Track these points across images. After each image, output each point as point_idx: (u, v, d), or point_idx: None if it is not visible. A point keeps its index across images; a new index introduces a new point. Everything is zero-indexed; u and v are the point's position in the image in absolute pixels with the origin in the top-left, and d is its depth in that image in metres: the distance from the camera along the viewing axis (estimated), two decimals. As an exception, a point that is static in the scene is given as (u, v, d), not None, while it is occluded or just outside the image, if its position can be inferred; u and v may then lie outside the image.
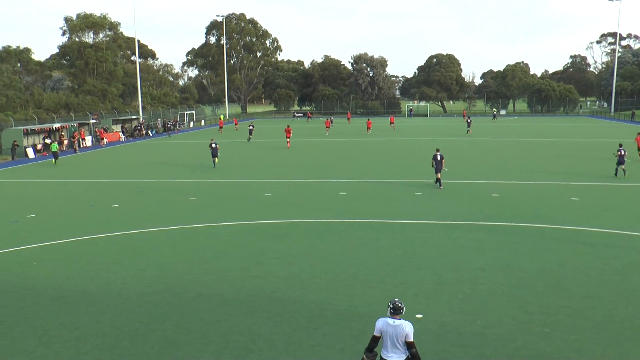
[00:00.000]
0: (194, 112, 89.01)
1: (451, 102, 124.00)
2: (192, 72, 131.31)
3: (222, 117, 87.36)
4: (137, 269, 14.81)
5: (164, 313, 11.82)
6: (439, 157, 26.60)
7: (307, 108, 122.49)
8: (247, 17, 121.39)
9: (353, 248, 16.42)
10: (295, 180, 29.49)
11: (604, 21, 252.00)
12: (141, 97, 77.28)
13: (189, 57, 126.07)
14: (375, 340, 8.01)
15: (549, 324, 11.07)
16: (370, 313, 11.63)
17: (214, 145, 35.80)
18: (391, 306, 7.93)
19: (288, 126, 49.52)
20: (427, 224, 19.26)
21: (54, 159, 40.10)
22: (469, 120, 62.23)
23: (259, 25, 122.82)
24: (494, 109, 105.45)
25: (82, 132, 52.55)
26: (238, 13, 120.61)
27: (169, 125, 70.12)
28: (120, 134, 61.72)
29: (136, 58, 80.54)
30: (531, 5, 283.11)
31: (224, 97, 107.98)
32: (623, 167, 29.36)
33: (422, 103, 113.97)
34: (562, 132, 61.71)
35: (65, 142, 50.57)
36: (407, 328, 7.80)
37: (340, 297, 12.57)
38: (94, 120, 59.51)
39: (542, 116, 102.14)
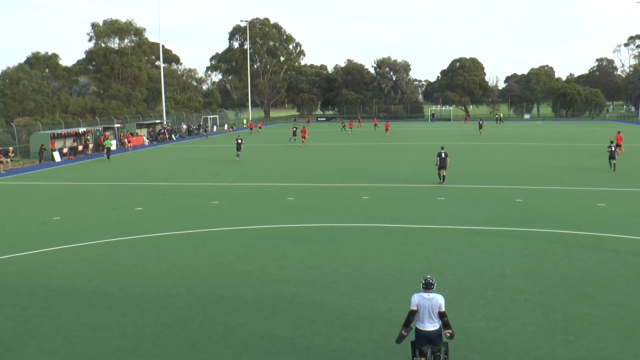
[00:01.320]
0: (217, 116, 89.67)
1: (471, 106, 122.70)
2: (216, 77, 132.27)
3: (245, 120, 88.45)
4: (159, 271, 14.95)
5: (186, 315, 11.91)
6: (443, 155, 28.51)
7: (330, 112, 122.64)
8: (271, 22, 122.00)
9: (375, 253, 16.38)
10: (317, 184, 29.52)
11: (631, 23, 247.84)
12: (165, 101, 78.10)
13: (212, 62, 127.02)
14: (413, 314, 8.82)
15: (573, 332, 10.90)
16: (391, 318, 11.58)
17: (239, 141, 41.52)
18: (424, 282, 8.88)
19: (304, 127, 57.97)
20: (449, 229, 19.12)
21: (107, 156, 44.82)
22: (481, 122, 70.32)
23: (282, 30, 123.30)
24: (497, 114, 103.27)
25: (107, 136, 53.24)
26: (262, 18, 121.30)
27: (203, 127, 74.43)
28: (145, 138, 62.40)
29: (160, 63, 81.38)
30: (556, 8, 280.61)
31: (247, 102, 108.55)
32: (614, 161, 33.59)
33: (446, 107, 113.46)
34: (587, 137, 60.85)
35: (91, 145, 51.33)
36: (440, 300, 8.78)
37: (361, 302, 12.54)
38: (119, 125, 60.29)
39: (567, 120, 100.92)
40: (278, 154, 46.51)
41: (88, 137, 51.91)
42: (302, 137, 53.11)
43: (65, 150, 48.05)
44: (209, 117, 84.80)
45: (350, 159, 41.75)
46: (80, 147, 50.46)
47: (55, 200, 26.42)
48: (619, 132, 42.51)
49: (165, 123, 70.80)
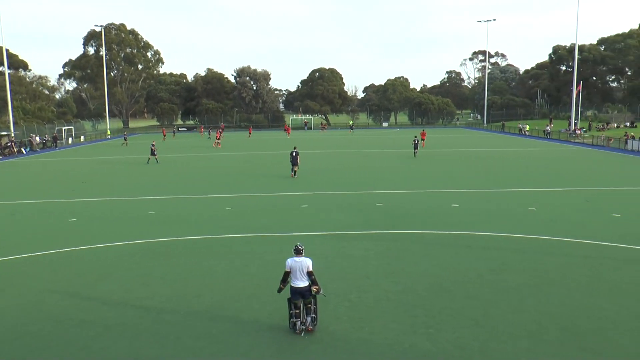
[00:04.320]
0: (72, 127, 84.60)
1: (326, 115, 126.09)
2: (70, 85, 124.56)
3: (109, 132, 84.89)
4: (10, 297, 13.77)
5: (44, 344, 11.06)
6: (294, 154, 34.54)
7: (191, 122, 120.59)
8: (128, 28, 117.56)
9: (240, 263, 16.27)
10: (177, 196, 28.79)
11: (475, 40, 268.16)
12: (12, 111, 72.34)
13: (65, 69, 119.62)
14: (288, 274, 11.29)
15: (433, 325, 11.57)
16: (258, 329, 11.56)
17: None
18: (295, 248, 11.43)
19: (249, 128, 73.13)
20: (314, 235, 19.47)
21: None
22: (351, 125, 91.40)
23: (139, 37, 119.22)
24: (350, 122, 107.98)
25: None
26: (118, 23, 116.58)
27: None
28: (-11, 152, 57.38)
29: (5, 69, 75.40)
30: (410, 23, 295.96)
31: (105, 112, 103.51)
32: (416, 150, 46.92)
33: (307, 116, 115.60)
34: (443, 143, 64.91)
35: None
36: (308, 262, 11.28)
37: (227, 314, 12.40)
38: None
39: (422, 128, 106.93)
40: (135, 167, 44.78)
41: None
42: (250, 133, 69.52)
43: None
44: (63, 128, 79.77)
45: (213, 169, 41.22)
46: None
47: None
48: (423, 130, 61.34)
49: (12, 135, 65.64)
